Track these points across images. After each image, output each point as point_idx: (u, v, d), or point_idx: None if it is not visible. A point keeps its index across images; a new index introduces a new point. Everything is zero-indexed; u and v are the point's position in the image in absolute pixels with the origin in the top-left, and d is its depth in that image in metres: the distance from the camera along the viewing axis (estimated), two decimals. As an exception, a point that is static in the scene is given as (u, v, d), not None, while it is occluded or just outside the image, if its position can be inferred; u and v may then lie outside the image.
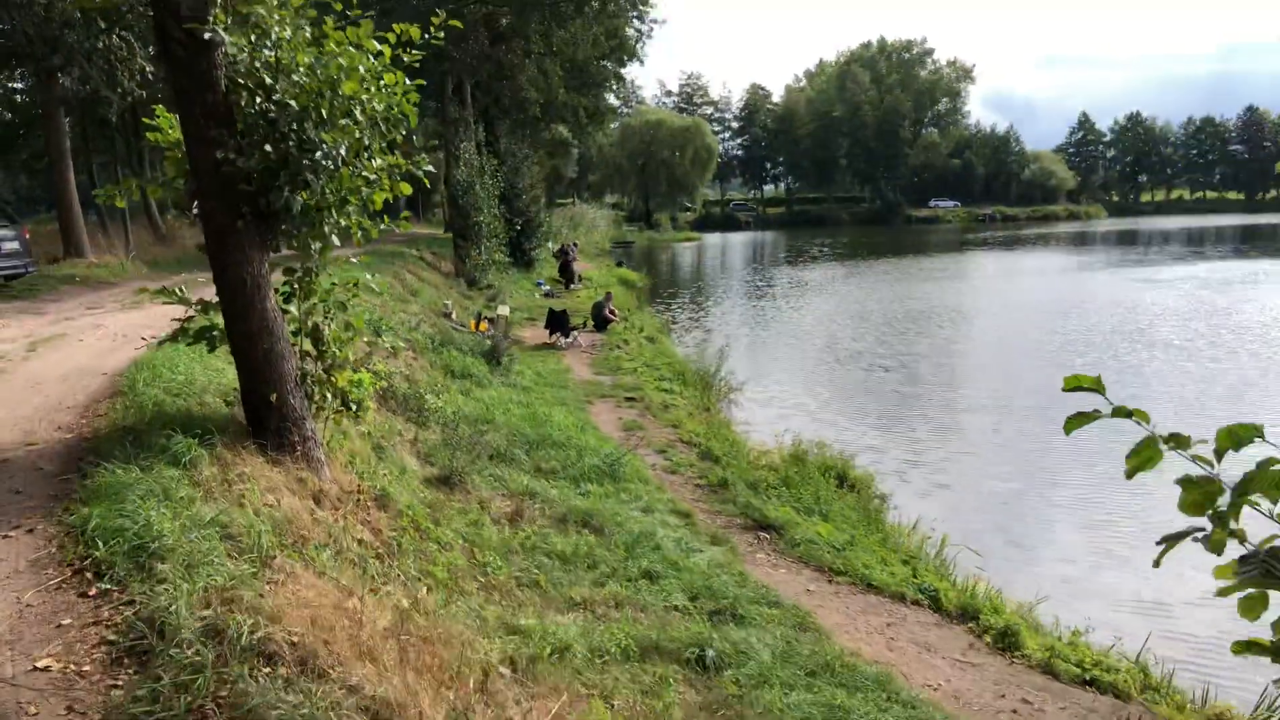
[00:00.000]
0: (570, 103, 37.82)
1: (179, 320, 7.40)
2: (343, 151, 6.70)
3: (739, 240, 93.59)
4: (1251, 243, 73.48)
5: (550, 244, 42.96)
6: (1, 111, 25.71)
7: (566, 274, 37.39)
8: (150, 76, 21.15)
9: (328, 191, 6.84)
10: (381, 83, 6.94)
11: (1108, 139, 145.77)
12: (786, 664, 6.73)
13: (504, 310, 25.19)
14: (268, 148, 6.50)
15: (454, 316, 23.40)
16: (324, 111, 6.56)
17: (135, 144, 25.69)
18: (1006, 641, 8.14)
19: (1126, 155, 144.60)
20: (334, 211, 6.96)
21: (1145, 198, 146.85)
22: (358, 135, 6.76)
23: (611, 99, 43.98)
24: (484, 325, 22.69)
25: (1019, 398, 20.37)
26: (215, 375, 8.58)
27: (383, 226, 7.48)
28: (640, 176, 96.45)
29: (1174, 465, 2.21)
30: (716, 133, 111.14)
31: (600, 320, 25.18)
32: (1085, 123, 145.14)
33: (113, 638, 3.98)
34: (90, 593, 4.40)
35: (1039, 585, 10.44)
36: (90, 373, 9.40)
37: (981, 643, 8.23)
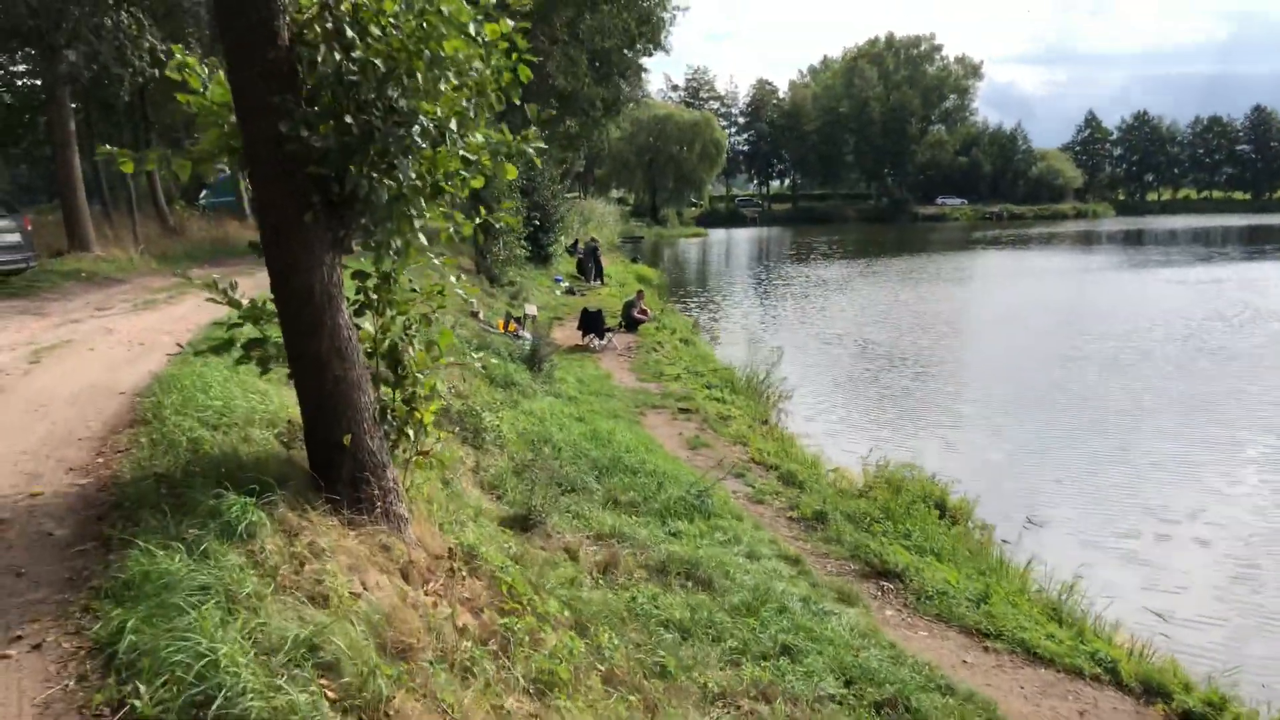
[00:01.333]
0: (589, 94, 36.27)
1: (224, 325, 5.92)
2: (454, 126, 5.20)
3: (744, 236, 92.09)
4: (1269, 243, 72.05)
5: (563, 239, 41.47)
6: (1, 94, 24.09)
7: (585, 270, 36.00)
8: (162, 56, 19.56)
9: (418, 176, 5.35)
10: (483, 38, 5.44)
11: (1114, 138, 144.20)
12: (1002, 786, 5.27)
13: (532, 309, 23.70)
14: (347, 119, 5.01)
15: (481, 316, 21.88)
16: (420, 75, 5.06)
17: (143, 131, 24.13)
18: (1240, 742, 6.70)
19: (1133, 154, 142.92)
20: (424, 202, 5.47)
21: (1151, 197, 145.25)
22: (464, 105, 5.26)
23: (626, 89, 42.31)
24: (513, 326, 21.18)
25: (1092, 413, 18.89)
26: (259, 400, 7.09)
27: (478, 221, 6.00)
28: (647, 171, 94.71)
29: None
30: (723, 128, 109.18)
31: (630, 321, 23.68)
32: (1092, 121, 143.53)
33: None
34: (135, 783, 2.92)
35: (1201, 646, 9.01)
36: (105, 391, 7.91)
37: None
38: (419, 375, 5.89)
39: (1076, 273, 50.23)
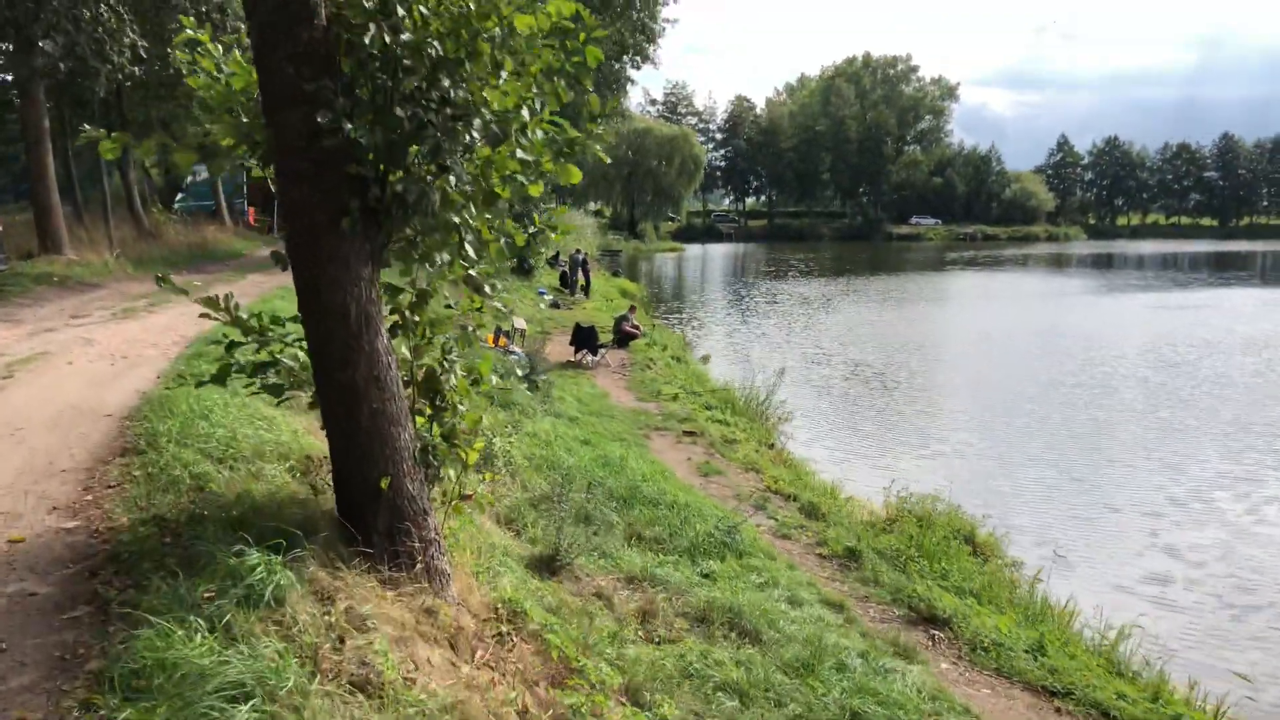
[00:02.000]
0: (574, 104, 35.60)
1: (219, 344, 5.16)
2: (525, 117, 4.50)
3: (720, 252, 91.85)
4: (1242, 269, 72.72)
5: (544, 250, 40.72)
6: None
7: (569, 282, 35.26)
8: (143, 53, 18.66)
9: (471, 179, 4.65)
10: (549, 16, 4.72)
11: (1085, 162, 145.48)
12: None
13: (521, 323, 22.91)
14: (397, 110, 4.30)
15: (469, 328, 21.04)
16: (486, 59, 4.36)
17: (119, 129, 23.04)
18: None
19: (1104, 179, 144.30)
20: (475, 209, 4.77)
21: (1121, 221, 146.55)
22: (532, 94, 4.57)
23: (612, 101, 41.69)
24: (503, 340, 20.43)
25: (1095, 444, 18.37)
26: (266, 428, 6.33)
27: (531, 229, 5.31)
28: (626, 184, 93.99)
29: None
30: (700, 143, 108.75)
31: (622, 336, 22.93)
32: (1064, 145, 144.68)
33: None
34: None
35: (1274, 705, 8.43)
36: (88, 413, 7.10)
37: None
38: (460, 407, 5.17)
39: (1057, 296, 50.12)
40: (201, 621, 3.48)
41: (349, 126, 4.21)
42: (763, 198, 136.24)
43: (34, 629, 3.80)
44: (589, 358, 20.79)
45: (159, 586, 3.84)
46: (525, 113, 4.54)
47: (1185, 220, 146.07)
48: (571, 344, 21.22)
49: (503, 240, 5.13)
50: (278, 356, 5.08)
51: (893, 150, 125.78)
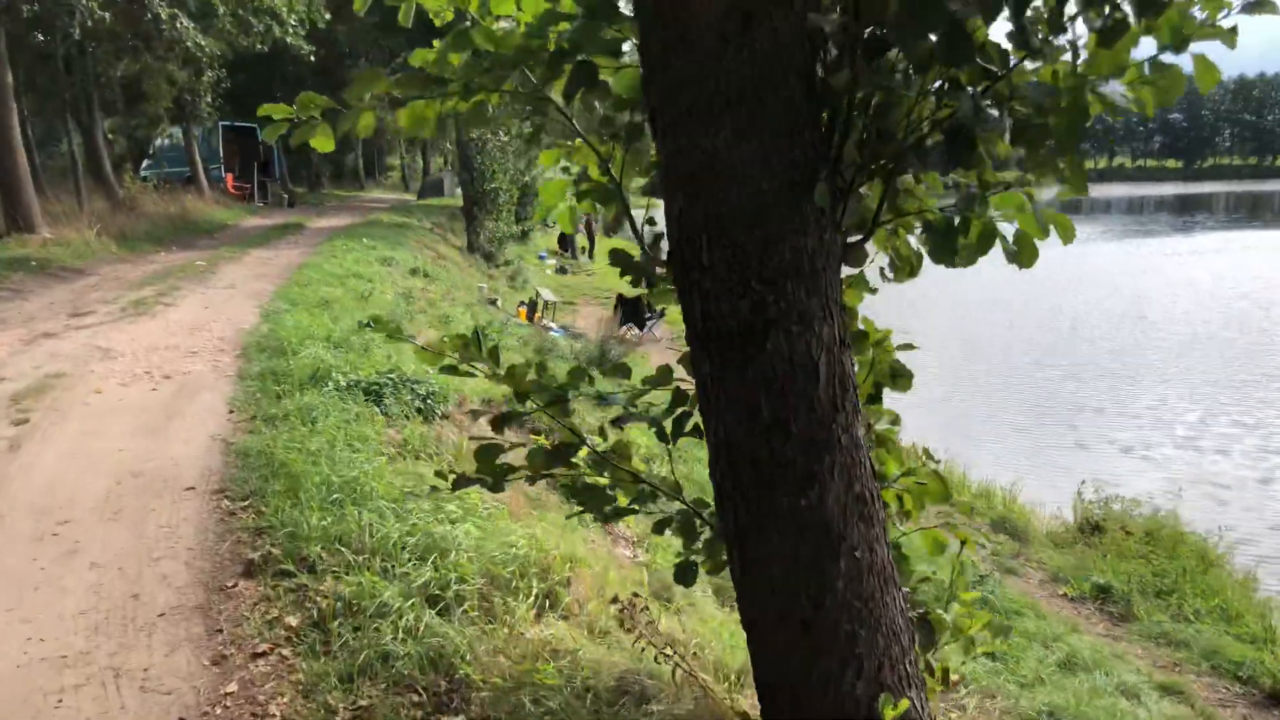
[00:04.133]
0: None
1: (494, 417, 2.84)
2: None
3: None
4: (1235, 211, 71.72)
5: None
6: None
7: (567, 245, 32.42)
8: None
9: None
10: None
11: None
12: None
13: (549, 295, 20.56)
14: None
15: (499, 304, 18.74)
16: None
17: (83, 86, 19.97)
18: None
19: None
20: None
21: (1087, 165, 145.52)
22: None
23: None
24: (538, 316, 18.25)
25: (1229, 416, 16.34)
26: (458, 516, 4.03)
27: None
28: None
29: None
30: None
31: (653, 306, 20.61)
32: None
33: None
34: None
35: None
36: (159, 485, 4.68)
37: None
38: (917, 519, 2.94)
39: (1077, 245, 48.04)
40: None
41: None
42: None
43: None
44: (634, 331, 18.51)
45: None
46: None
47: (1151, 163, 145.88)
48: (617, 317, 18.91)
49: (991, 214, 2.85)
50: (584, 439, 2.81)
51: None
